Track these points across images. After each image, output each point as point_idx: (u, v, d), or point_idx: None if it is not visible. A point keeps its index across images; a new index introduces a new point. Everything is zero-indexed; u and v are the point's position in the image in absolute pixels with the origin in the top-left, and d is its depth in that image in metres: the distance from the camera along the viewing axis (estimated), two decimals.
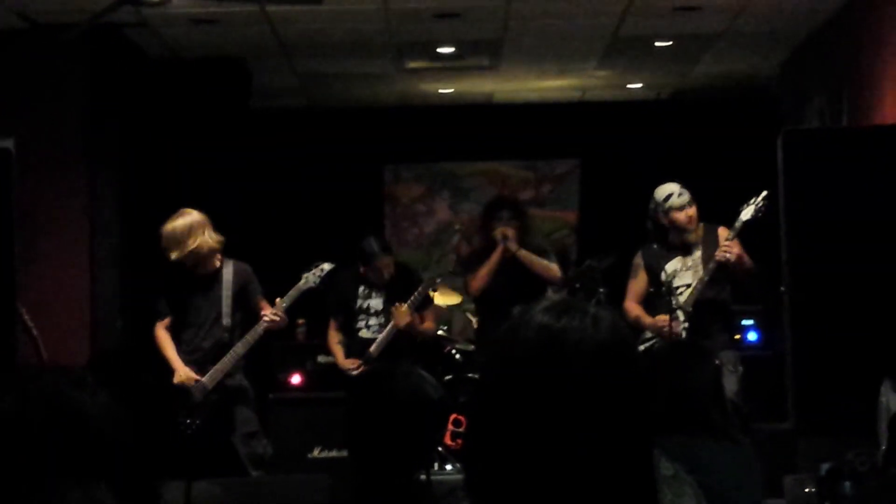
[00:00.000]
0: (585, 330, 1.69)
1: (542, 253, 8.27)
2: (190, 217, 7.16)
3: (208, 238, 7.15)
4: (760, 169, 7.88)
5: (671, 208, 7.13)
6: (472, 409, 1.77)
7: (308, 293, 7.33)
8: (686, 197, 7.13)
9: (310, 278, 7.32)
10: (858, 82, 8.79)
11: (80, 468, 1.93)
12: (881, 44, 8.29)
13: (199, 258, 7.17)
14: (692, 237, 7.18)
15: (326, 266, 7.36)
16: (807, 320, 7.20)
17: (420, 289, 7.93)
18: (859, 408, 6.33)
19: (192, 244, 7.11)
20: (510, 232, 8.11)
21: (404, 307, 7.86)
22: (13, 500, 1.89)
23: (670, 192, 7.15)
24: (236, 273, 7.28)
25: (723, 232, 7.12)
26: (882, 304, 7.00)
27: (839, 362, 6.91)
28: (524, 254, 8.12)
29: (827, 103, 9.53)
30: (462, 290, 12.27)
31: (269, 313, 7.19)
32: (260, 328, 7.19)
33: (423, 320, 8.08)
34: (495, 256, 8.11)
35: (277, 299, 7.26)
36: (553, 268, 8.19)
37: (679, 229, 7.16)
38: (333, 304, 8.15)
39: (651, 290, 7.25)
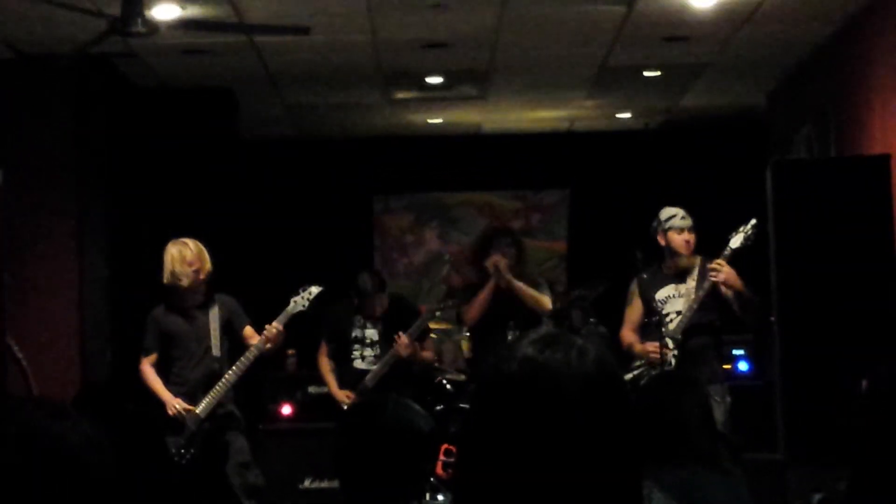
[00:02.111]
0: (570, 362, 1.69)
1: (535, 285, 8.27)
2: (193, 243, 7.14)
3: (209, 265, 7.16)
4: (749, 198, 7.89)
5: (671, 228, 7.19)
6: (461, 440, 1.76)
7: (298, 317, 7.30)
8: (689, 221, 7.21)
9: (298, 301, 7.29)
10: (846, 112, 8.82)
11: (63, 498, 1.92)
12: (867, 74, 8.32)
13: (203, 283, 7.15)
14: (685, 262, 7.20)
15: (314, 289, 7.33)
16: (796, 349, 7.21)
17: (420, 321, 7.94)
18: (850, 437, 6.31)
19: (209, 266, 7.10)
20: (502, 263, 8.15)
21: (405, 337, 7.83)
22: None
23: (674, 213, 7.23)
24: (222, 305, 7.26)
25: None
26: (872, 332, 7.00)
27: (829, 392, 6.91)
28: (516, 285, 8.13)
29: (815, 133, 9.56)
30: (451, 318, 12.24)
31: (266, 332, 7.11)
32: (251, 354, 7.13)
33: (422, 349, 8.08)
34: (487, 289, 8.14)
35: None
36: (543, 300, 8.20)
37: (674, 252, 7.19)
38: (328, 331, 8.14)
39: (646, 318, 7.27)
